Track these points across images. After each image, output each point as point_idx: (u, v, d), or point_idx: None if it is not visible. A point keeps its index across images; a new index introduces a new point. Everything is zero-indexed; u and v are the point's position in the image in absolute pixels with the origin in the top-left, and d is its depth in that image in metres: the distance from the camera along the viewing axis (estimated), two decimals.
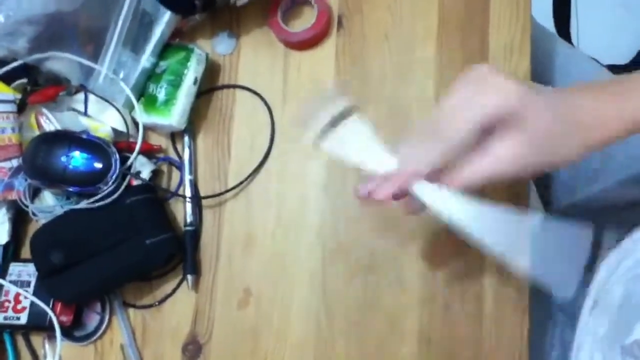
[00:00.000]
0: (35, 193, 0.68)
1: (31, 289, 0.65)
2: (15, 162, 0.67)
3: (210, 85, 0.69)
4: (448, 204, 0.46)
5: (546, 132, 0.42)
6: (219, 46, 0.70)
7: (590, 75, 0.79)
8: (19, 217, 0.70)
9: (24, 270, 0.66)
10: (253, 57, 0.70)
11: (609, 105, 0.43)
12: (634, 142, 0.70)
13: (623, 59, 1.45)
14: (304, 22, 0.68)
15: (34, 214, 0.66)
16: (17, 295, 0.65)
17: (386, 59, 0.66)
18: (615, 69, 1.38)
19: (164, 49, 0.68)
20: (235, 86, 0.69)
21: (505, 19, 0.64)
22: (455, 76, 0.62)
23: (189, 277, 0.65)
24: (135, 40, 0.66)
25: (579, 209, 0.76)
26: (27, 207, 0.66)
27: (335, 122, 0.50)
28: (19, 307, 0.65)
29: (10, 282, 0.66)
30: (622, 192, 0.70)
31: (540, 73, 0.78)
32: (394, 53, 0.66)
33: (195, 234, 0.66)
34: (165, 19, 0.67)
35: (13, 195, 0.66)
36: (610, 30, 1.49)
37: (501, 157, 0.43)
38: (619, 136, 0.44)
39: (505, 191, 0.61)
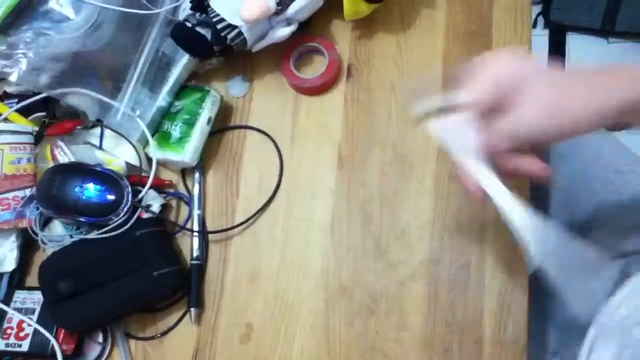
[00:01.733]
0: (45, 222, 0.70)
1: (35, 316, 0.66)
2: (28, 192, 0.68)
3: (222, 125, 0.72)
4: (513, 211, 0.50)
5: (551, 98, 0.46)
6: (233, 89, 0.73)
7: None
8: (27, 246, 0.71)
9: (29, 298, 0.67)
10: (265, 101, 0.73)
11: (600, 83, 0.47)
12: (624, 190, 0.73)
13: None
14: (315, 69, 0.72)
15: (43, 242, 0.67)
16: (21, 322, 0.66)
17: (392, 108, 0.70)
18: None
19: (180, 90, 0.71)
20: (246, 127, 0.72)
21: None
22: None
23: (193, 310, 0.66)
24: (153, 80, 0.70)
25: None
26: (36, 235, 0.67)
27: (447, 109, 0.51)
28: (21, 334, 0.65)
29: (15, 309, 0.67)
30: (613, 244, 0.72)
31: None
32: (400, 103, 0.70)
33: (200, 268, 0.68)
34: (183, 61, 0.70)
35: (24, 224, 0.68)
36: None
37: (518, 115, 0.47)
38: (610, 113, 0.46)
39: (504, 235, 0.64)
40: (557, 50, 1.60)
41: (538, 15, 1.63)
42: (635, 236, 0.68)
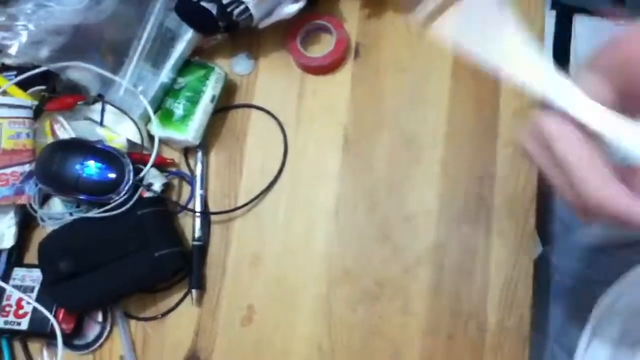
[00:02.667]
0: (44, 199, 0.68)
1: (34, 294, 0.65)
2: (27, 167, 0.67)
3: (226, 103, 0.71)
4: None
5: None
6: (238, 66, 0.72)
7: None
8: (25, 222, 0.70)
9: (28, 276, 0.67)
10: (270, 79, 0.71)
11: None
12: None
13: None
14: (322, 48, 0.70)
15: (42, 220, 0.66)
16: (20, 300, 0.65)
17: (400, 89, 0.68)
18: None
19: (183, 66, 0.69)
20: (250, 106, 0.71)
21: None
22: (468, 108, 0.65)
23: (194, 291, 0.65)
24: (156, 56, 0.68)
25: (575, 247, 0.77)
26: (35, 212, 0.66)
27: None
28: (20, 312, 0.65)
29: (14, 286, 0.66)
30: (616, 231, 0.72)
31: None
32: (408, 85, 0.68)
33: (202, 249, 0.67)
34: (187, 37, 0.68)
35: (23, 200, 0.67)
36: None
37: None
38: None
39: (510, 224, 0.63)
40: (564, 32, 1.58)
41: None
42: None
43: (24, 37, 0.57)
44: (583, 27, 1.58)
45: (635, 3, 1.50)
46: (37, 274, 0.66)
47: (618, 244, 0.69)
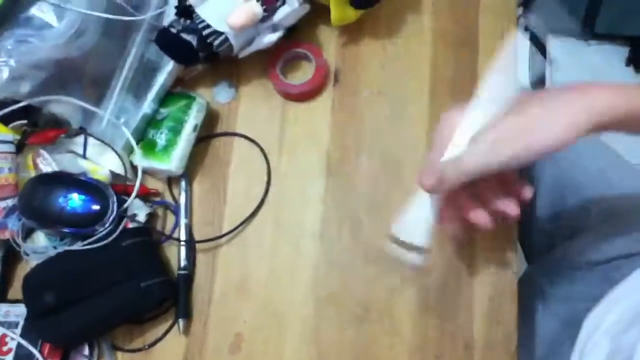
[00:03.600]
0: (28, 233, 0.68)
1: (18, 330, 0.64)
2: (10, 202, 0.67)
3: (208, 132, 0.71)
4: None
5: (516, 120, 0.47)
6: (219, 95, 0.73)
7: None
8: (9, 257, 0.69)
9: (12, 311, 0.66)
10: (252, 107, 0.72)
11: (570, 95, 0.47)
12: (607, 197, 0.74)
13: None
14: (302, 75, 0.71)
15: (26, 254, 0.66)
16: (4, 336, 0.64)
17: (380, 113, 0.70)
18: None
19: (165, 97, 0.70)
20: (233, 134, 0.71)
21: None
22: None
23: (181, 321, 0.65)
24: (137, 87, 0.68)
25: (560, 265, 0.78)
26: (19, 247, 0.66)
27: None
28: (4, 348, 0.64)
29: None
30: (601, 248, 0.73)
31: None
32: (387, 108, 0.70)
33: (188, 278, 0.67)
34: (168, 68, 0.69)
35: (6, 235, 0.66)
36: None
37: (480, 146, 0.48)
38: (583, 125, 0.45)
39: (492, 241, 0.64)
40: (538, 53, 1.62)
41: (519, 17, 1.64)
42: (619, 240, 0.69)
43: (5, 73, 0.58)
44: (556, 47, 1.63)
45: (605, 26, 1.55)
46: (20, 309, 0.65)
47: (600, 260, 0.71)
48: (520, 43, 1.61)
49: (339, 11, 0.67)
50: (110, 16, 0.62)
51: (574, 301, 0.70)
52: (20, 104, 0.66)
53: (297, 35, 0.71)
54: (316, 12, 0.69)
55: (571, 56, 1.62)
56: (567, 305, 0.71)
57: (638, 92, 0.47)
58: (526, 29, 1.64)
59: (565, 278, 0.74)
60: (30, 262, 0.67)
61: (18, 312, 0.65)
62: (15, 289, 0.69)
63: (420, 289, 0.64)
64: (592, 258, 0.70)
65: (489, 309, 0.62)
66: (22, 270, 0.69)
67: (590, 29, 1.56)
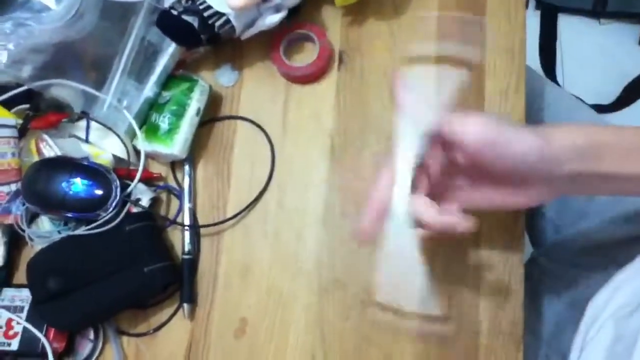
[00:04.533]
0: (32, 218, 0.68)
1: (24, 314, 0.65)
2: (13, 187, 0.67)
3: (212, 115, 0.71)
4: None
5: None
6: (222, 78, 0.72)
7: (576, 113, 0.82)
8: (14, 242, 0.69)
9: (17, 296, 0.66)
10: (255, 90, 0.71)
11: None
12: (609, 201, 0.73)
13: (606, 100, 1.50)
14: (306, 57, 0.70)
15: (30, 239, 0.66)
16: (9, 320, 0.64)
17: (385, 96, 0.68)
18: (599, 107, 1.44)
19: (167, 80, 0.69)
20: (236, 117, 0.70)
21: (501, 65, 0.67)
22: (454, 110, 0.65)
23: (185, 305, 0.65)
24: (139, 70, 0.67)
25: (565, 248, 0.78)
26: (23, 231, 0.66)
27: None
28: (10, 332, 0.64)
29: (3, 307, 0.65)
30: (607, 231, 0.72)
31: (532, 112, 0.81)
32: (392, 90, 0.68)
33: (192, 262, 0.67)
34: (169, 50, 0.68)
35: (10, 220, 0.66)
36: (592, 74, 1.55)
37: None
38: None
39: (499, 226, 0.63)
40: (548, 31, 1.59)
41: None
42: (623, 224, 0.68)
43: (3, 57, 0.57)
44: (567, 26, 1.60)
45: (617, 3, 1.52)
46: (26, 293, 0.66)
47: (606, 244, 0.70)
48: (531, 20, 1.58)
49: None
50: None
51: (579, 285, 0.69)
52: (22, 88, 0.65)
53: (300, 16, 0.70)
54: None
55: (582, 35, 1.59)
56: (572, 288, 0.70)
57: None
58: (536, 7, 1.61)
59: (571, 262, 0.73)
60: (34, 247, 0.67)
61: (23, 296, 0.66)
62: (21, 274, 0.69)
63: (425, 273, 0.63)
64: (597, 241, 0.69)
65: (495, 295, 0.62)
66: (27, 255, 0.69)
67: (601, 7, 1.53)
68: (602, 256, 0.69)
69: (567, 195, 0.64)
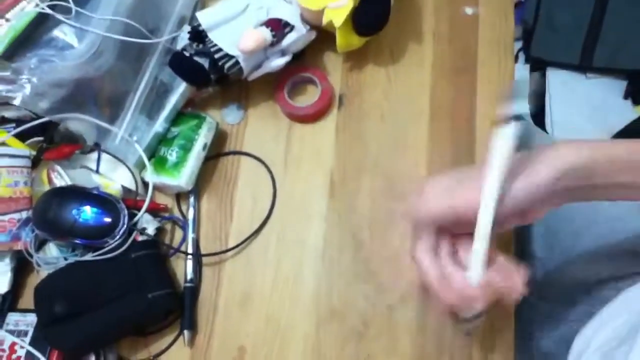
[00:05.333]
0: (40, 245, 0.70)
1: (28, 338, 0.66)
2: (24, 214, 0.69)
3: (217, 151, 0.74)
4: None
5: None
6: (228, 116, 0.76)
7: None
8: (20, 268, 0.71)
9: (22, 320, 0.68)
10: (259, 128, 0.75)
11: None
12: (600, 221, 0.76)
13: None
14: (308, 98, 0.75)
15: (37, 265, 0.68)
16: (13, 344, 0.66)
17: (381, 136, 0.73)
18: None
19: (177, 116, 0.73)
20: (241, 153, 0.74)
21: (491, 108, 0.71)
22: (446, 150, 0.69)
23: (186, 332, 0.67)
24: (151, 107, 0.72)
25: (554, 287, 0.80)
26: (31, 257, 0.68)
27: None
28: (13, 356, 0.65)
29: (7, 331, 0.67)
30: (592, 270, 0.74)
31: None
32: (388, 131, 0.73)
33: (194, 290, 0.69)
34: (180, 89, 0.72)
35: (19, 246, 0.69)
36: (580, 126, 1.61)
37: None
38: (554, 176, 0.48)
39: None
40: (538, 85, 1.66)
41: (519, 50, 1.68)
42: (608, 263, 0.71)
43: (27, 90, 0.61)
44: (555, 80, 1.67)
45: (603, 59, 1.59)
46: (30, 318, 0.67)
47: (591, 282, 0.72)
48: (522, 75, 1.65)
49: (344, 38, 0.70)
50: (128, 39, 0.65)
51: (568, 321, 0.71)
52: (39, 121, 0.69)
53: (304, 60, 0.75)
54: (322, 39, 0.73)
55: (570, 89, 1.66)
56: (562, 325, 0.72)
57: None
58: (526, 61, 1.69)
59: (559, 299, 0.75)
60: (41, 273, 0.69)
61: (28, 321, 0.67)
62: (26, 299, 0.71)
63: (419, 306, 0.65)
64: (583, 279, 0.72)
65: (487, 325, 0.64)
66: (33, 280, 0.71)
67: (588, 62, 1.60)
68: (588, 293, 0.71)
69: (561, 206, 0.68)
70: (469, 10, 0.77)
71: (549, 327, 0.75)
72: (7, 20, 0.62)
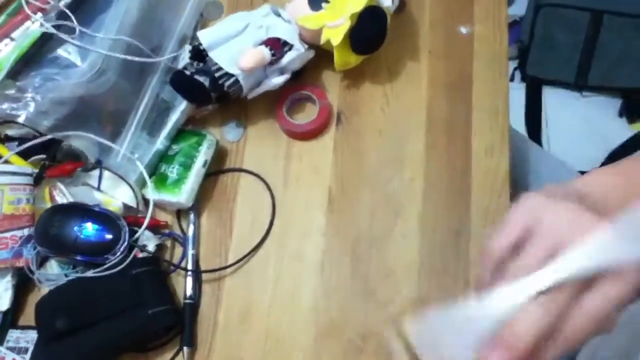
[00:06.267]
0: (41, 262, 0.71)
1: (28, 356, 0.66)
2: (26, 231, 0.70)
3: (217, 167, 0.75)
4: None
5: None
6: (228, 133, 0.77)
7: (559, 174, 0.88)
8: (21, 285, 0.72)
9: (22, 337, 0.68)
10: (258, 145, 0.76)
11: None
12: None
13: (589, 166, 1.57)
14: (307, 116, 0.76)
15: (39, 281, 0.69)
16: None
17: (379, 151, 0.74)
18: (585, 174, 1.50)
19: (177, 134, 0.74)
20: (240, 170, 0.75)
21: (486, 125, 0.72)
22: (442, 165, 0.70)
23: (185, 349, 0.67)
24: (152, 125, 0.73)
25: None
26: (33, 274, 0.69)
27: None
28: None
29: (8, 348, 0.67)
30: None
31: (516, 172, 0.86)
32: (386, 147, 0.74)
33: (194, 307, 0.69)
34: (181, 107, 0.73)
35: (21, 263, 0.69)
36: (576, 142, 1.63)
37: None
38: None
39: None
40: (533, 102, 1.68)
41: (515, 69, 1.71)
42: None
43: (31, 108, 0.62)
44: (551, 98, 1.69)
45: (598, 78, 1.61)
46: (31, 335, 0.68)
47: None
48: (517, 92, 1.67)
49: (342, 56, 0.72)
50: (130, 57, 0.67)
51: None
52: (41, 139, 0.70)
53: (302, 78, 0.77)
54: (320, 57, 0.74)
55: (566, 107, 1.68)
56: None
57: None
58: (522, 80, 1.71)
59: None
60: (41, 290, 0.69)
61: (28, 338, 0.67)
62: (26, 316, 0.71)
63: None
64: None
65: None
66: (34, 297, 0.71)
67: (583, 80, 1.63)
68: None
69: None
70: (464, 30, 0.78)
71: None
72: (13, 39, 0.63)
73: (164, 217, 0.74)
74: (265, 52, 0.68)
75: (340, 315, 0.67)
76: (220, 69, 0.69)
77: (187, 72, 0.70)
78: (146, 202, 0.72)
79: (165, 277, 0.71)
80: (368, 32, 0.71)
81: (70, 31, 0.65)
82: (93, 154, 0.72)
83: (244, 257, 0.71)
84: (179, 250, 0.73)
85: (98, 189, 0.72)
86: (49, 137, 0.68)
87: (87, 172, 0.73)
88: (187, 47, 0.74)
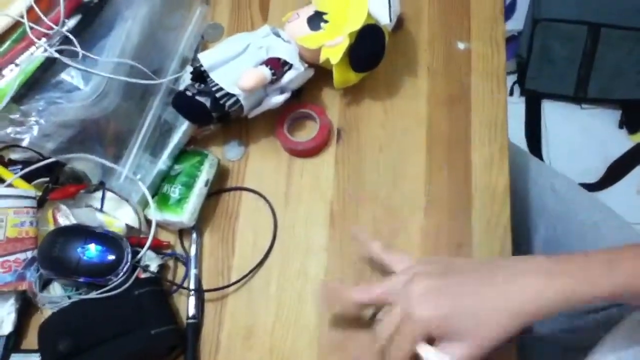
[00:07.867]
0: (44, 284, 0.71)
1: None
2: (29, 254, 0.70)
3: (219, 187, 0.76)
4: None
5: None
6: (230, 153, 0.77)
7: (561, 187, 0.88)
8: (24, 308, 0.72)
9: None
10: (260, 163, 0.77)
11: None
12: (600, 244, 0.77)
13: (589, 178, 1.57)
14: (307, 133, 0.76)
15: (42, 304, 0.69)
16: None
17: (380, 167, 0.74)
18: (586, 186, 1.50)
19: (179, 154, 0.75)
20: (242, 188, 0.76)
21: (485, 138, 0.73)
22: (443, 179, 0.70)
23: None
24: (154, 146, 0.73)
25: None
26: (35, 297, 0.69)
27: None
28: None
29: None
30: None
31: (516, 185, 0.86)
32: (387, 163, 0.74)
33: (197, 326, 0.69)
34: (183, 128, 0.74)
35: (24, 286, 0.69)
36: (576, 155, 1.64)
37: None
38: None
39: None
40: (533, 116, 1.69)
41: (514, 84, 1.72)
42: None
43: (35, 131, 0.63)
44: (551, 111, 1.69)
45: (597, 90, 1.62)
46: (34, 359, 0.67)
47: (592, 309, 0.73)
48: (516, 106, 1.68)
49: (341, 74, 0.73)
50: (132, 80, 0.67)
51: (573, 349, 0.71)
52: (45, 162, 0.71)
53: (302, 96, 0.77)
54: (320, 76, 0.75)
55: (566, 120, 1.68)
56: (566, 353, 0.72)
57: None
58: (521, 94, 1.72)
59: (563, 327, 0.75)
60: (44, 313, 0.69)
61: None
62: (30, 340, 0.71)
63: None
64: (585, 307, 0.72)
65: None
66: (37, 320, 0.71)
67: (583, 93, 1.64)
68: (592, 321, 0.71)
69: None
70: (461, 45, 0.79)
71: (553, 356, 0.75)
72: (17, 65, 0.64)
73: (167, 236, 0.75)
74: (266, 72, 0.69)
75: (344, 332, 0.67)
76: (221, 89, 0.70)
77: (189, 93, 0.71)
78: (149, 222, 0.72)
79: (168, 297, 0.71)
80: (367, 50, 0.72)
81: (74, 55, 0.65)
82: (96, 176, 0.73)
83: (247, 275, 0.71)
84: (181, 269, 0.73)
85: (101, 210, 0.73)
86: (52, 159, 0.69)
87: (90, 193, 0.74)
88: (188, 69, 0.75)
